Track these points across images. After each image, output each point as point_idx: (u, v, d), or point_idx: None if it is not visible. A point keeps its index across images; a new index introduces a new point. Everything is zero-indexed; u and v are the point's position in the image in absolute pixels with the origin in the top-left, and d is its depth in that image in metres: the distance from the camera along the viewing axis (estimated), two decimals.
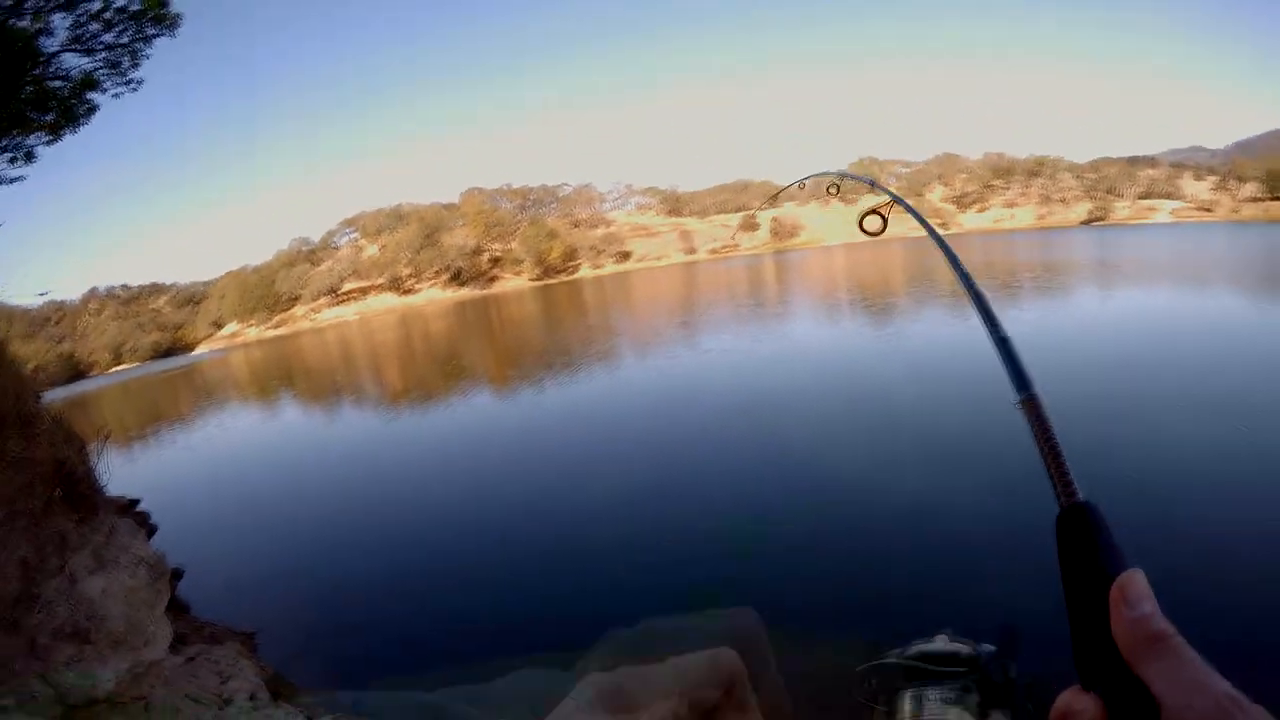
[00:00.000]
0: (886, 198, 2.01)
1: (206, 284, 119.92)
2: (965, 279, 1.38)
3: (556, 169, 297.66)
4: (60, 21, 13.05)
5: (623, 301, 63.98)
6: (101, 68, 13.77)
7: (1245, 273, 37.37)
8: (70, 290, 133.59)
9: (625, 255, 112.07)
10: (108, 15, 13.36)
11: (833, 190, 3.15)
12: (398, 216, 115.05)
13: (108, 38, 13.61)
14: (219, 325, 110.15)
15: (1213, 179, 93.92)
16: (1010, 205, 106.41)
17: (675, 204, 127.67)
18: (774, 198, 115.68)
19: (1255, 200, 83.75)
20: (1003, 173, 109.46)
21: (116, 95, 14.29)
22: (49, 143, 14.04)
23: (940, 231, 1.73)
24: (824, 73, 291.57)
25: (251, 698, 6.53)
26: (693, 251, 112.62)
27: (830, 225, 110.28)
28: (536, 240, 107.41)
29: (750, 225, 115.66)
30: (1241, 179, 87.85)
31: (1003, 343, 1.05)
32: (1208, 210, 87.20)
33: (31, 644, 5.64)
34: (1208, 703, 0.52)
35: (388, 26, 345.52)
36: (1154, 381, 17.46)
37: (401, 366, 44.70)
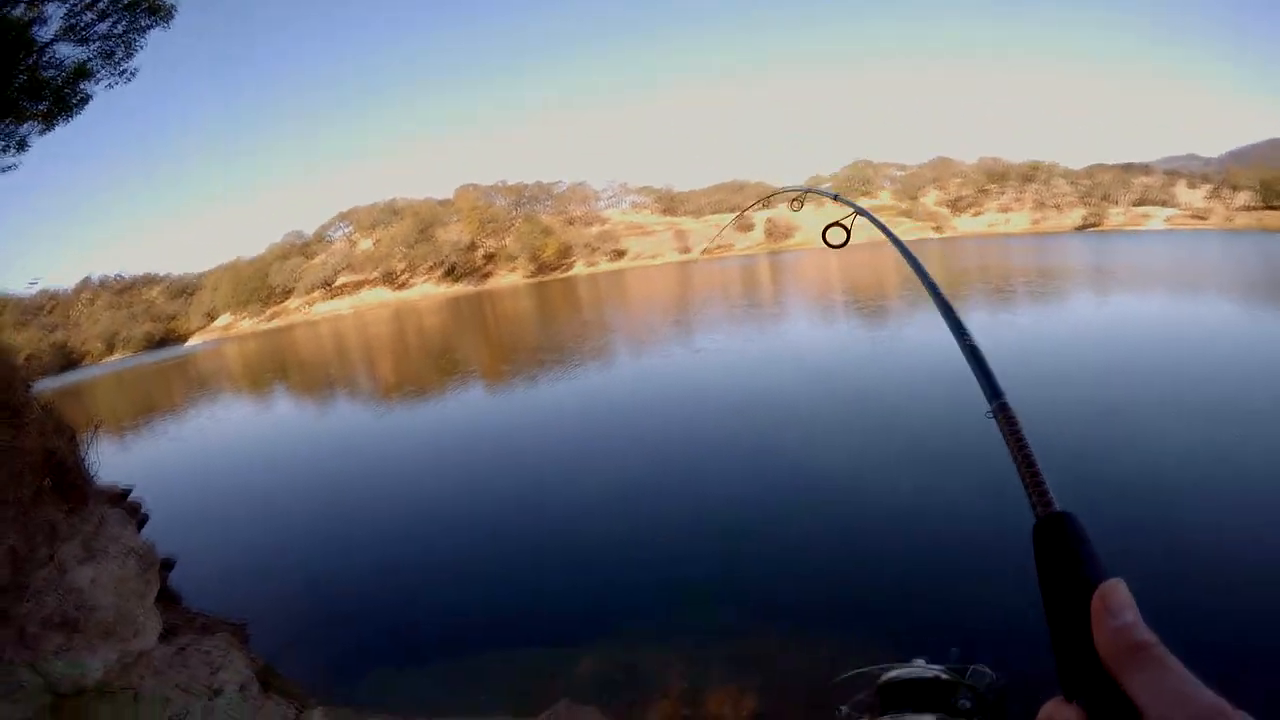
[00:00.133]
0: (850, 210, 2.01)
1: (200, 275, 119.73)
2: (931, 287, 1.36)
3: (552, 167, 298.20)
4: (54, 11, 13.02)
5: (617, 299, 63.97)
6: (95, 58, 13.74)
7: (1237, 281, 37.46)
8: (64, 279, 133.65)
9: (620, 253, 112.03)
10: (102, 5, 13.34)
11: (796, 206, 3.15)
12: (392, 211, 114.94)
13: (102, 28, 13.58)
14: (212, 317, 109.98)
15: (1207, 187, 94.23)
16: (1005, 210, 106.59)
17: (670, 203, 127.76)
18: (768, 200, 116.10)
19: (1249, 209, 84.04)
20: (997, 177, 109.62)
21: (110, 85, 14.25)
22: (42, 132, 14.00)
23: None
24: (820, 75, 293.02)
25: (242, 689, 6.52)
26: (687, 251, 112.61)
27: (824, 226, 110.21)
28: (531, 237, 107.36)
29: (745, 226, 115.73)
30: (1235, 187, 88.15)
31: (972, 351, 1.04)
32: (1201, 218, 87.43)
33: (20, 633, 5.63)
34: (1191, 713, 0.51)
35: (386, 25, 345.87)
36: (1144, 388, 17.49)
37: (395, 361, 44.63)
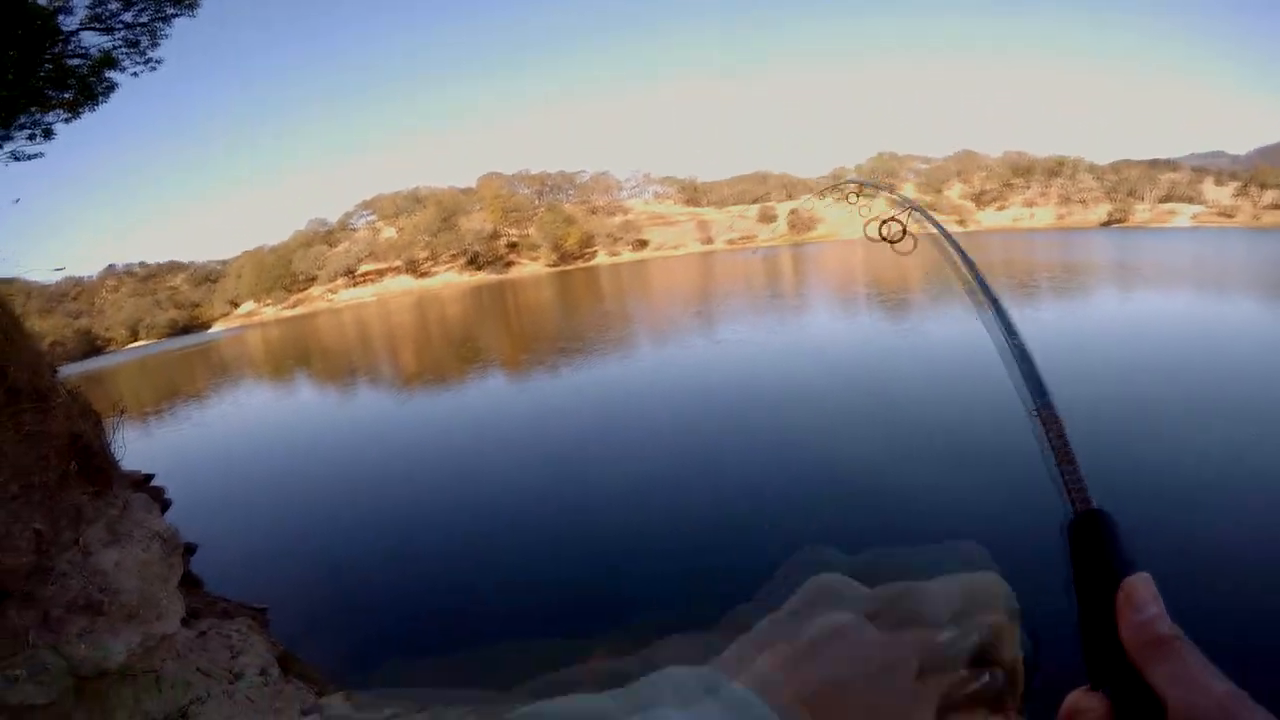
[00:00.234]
0: (905, 209, 1.96)
1: (224, 263, 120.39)
2: (983, 286, 1.36)
3: (575, 156, 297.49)
4: (79, 0, 13.09)
5: (639, 289, 63.96)
6: (120, 46, 13.81)
7: (1263, 280, 37.08)
8: (88, 267, 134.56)
9: (642, 243, 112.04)
10: None
11: (852, 200, 3.13)
12: (415, 200, 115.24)
13: (127, 16, 13.64)
14: (235, 304, 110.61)
15: (1234, 185, 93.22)
16: (1029, 204, 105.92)
17: (693, 194, 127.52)
18: (790, 193, 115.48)
19: (1277, 207, 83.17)
20: (1022, 171, 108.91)
21: (135, 74, 14.33)
22: (67, 120, 14.09)
23: (957, 229, 1.70)
24: (845, 67, 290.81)
25: (262, 673, 6.56)
26: (710, 242, 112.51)
27: (848, 219, 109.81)
28: (554, 226, 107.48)
29: (768, 216, 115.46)
30: (1264, 185, 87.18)
31: (1020, 350, 1.02)
32: (1228, 216, 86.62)
33: (45, 616, 5.68)
34: (1211, 703, 0.53)
35: (416, 10, 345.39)
36: (1170, 385, 17.37)
37: (417, 349, 44.79)
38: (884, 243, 1.93)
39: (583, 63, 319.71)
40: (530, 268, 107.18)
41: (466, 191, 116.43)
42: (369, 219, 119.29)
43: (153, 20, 13.89)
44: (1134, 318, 28.15)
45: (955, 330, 26.68)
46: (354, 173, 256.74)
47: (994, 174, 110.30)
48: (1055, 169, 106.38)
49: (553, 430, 19.26)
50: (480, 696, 8.25)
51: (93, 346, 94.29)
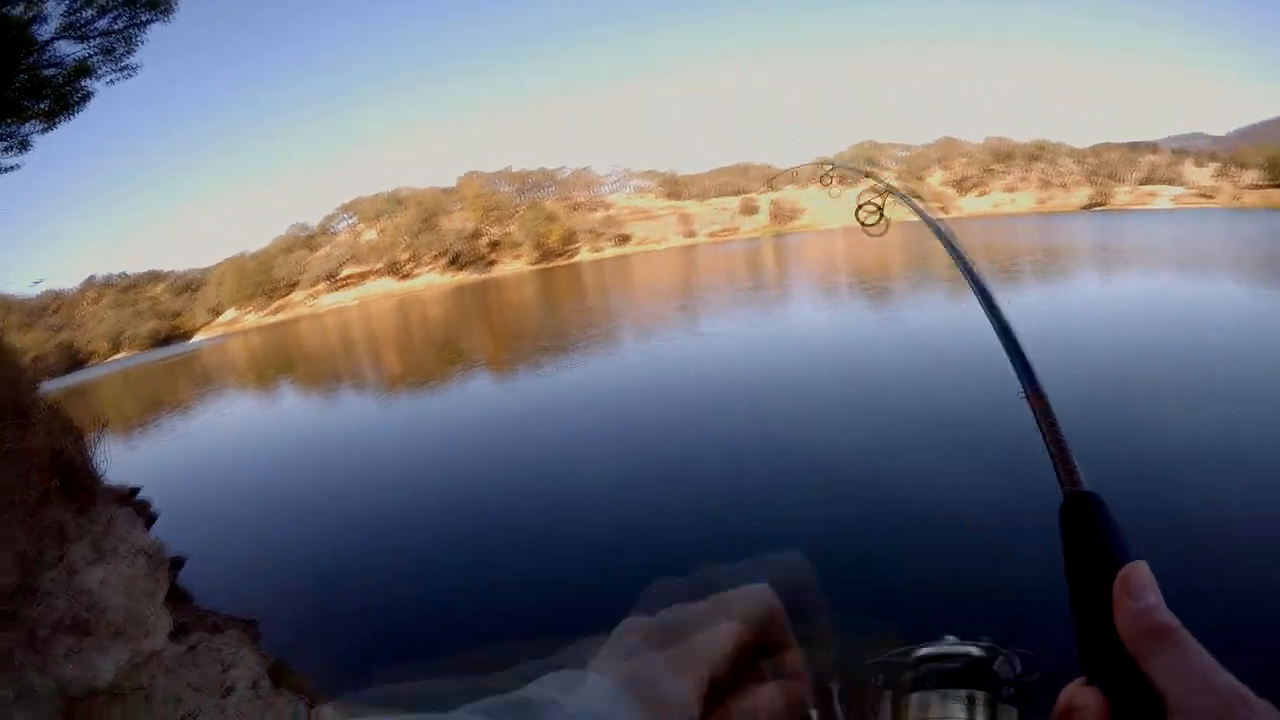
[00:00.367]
0: (882, 188, 1.93)
1: (204, 271, 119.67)
2: (966, 269, 1.33)
3: (555, 152, 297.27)
4: (54, 8, 12.97)
5: (622, 285, 63.98)
6: (96, 54, 13.69)
7: (1247, 260, 37.29)
8: (68, 279, 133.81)
9: (624, 238, 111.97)
10: (101, 1, 13.28)
11: (827, 180, 3.06)
12: (396, 201, 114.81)
13: (101, 24, 13.53)
14: (217, 312, 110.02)
15: (1214, 165, 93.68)
16: (1010, 189, 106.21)
17: (674, 187, 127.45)
18: (772, 181, 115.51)
19: (1256, 187, 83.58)
20: (1003, 157, 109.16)
21: (111, 82, 14.21)
22: (44, 131, 13.97)
23: (939, 215, 1.67)
24: (824, 56, 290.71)
25: (253, 686, 6.51)
26: (692, 235, 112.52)
27: (830, 208, 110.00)
28: (535, 224, 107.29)
29: (750, 208, 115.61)
30: (1243, 166, 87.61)
31: (1006, 332, 1.02)
32: (1209, 197, 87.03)
33: (31, 636, 5.62)
34: (1212, 698, 0.51)
35: (384, 11, 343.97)
36: (1155, 366, 17.44)
37: (400, 352, 44.72)
38: (863, 227, 1.91)
39: (561, 58, 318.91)
40: (513, 266, 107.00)
41: (447, 191, 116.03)
42: (350, 222, 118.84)
43: (127, 27, 13.78)
44: (1115, 300, 28.29)
45: (940, 317, 26.78)
46: (334, 175, 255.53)
47: (975, 160, 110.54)
48: (1036, 153, 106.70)
49: (537, 430, 19.22)
50: (476, 695, 8.25)
51: (74, 360, 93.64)
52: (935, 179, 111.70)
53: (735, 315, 34.63)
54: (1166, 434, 13.17)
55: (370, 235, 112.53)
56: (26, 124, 13.58)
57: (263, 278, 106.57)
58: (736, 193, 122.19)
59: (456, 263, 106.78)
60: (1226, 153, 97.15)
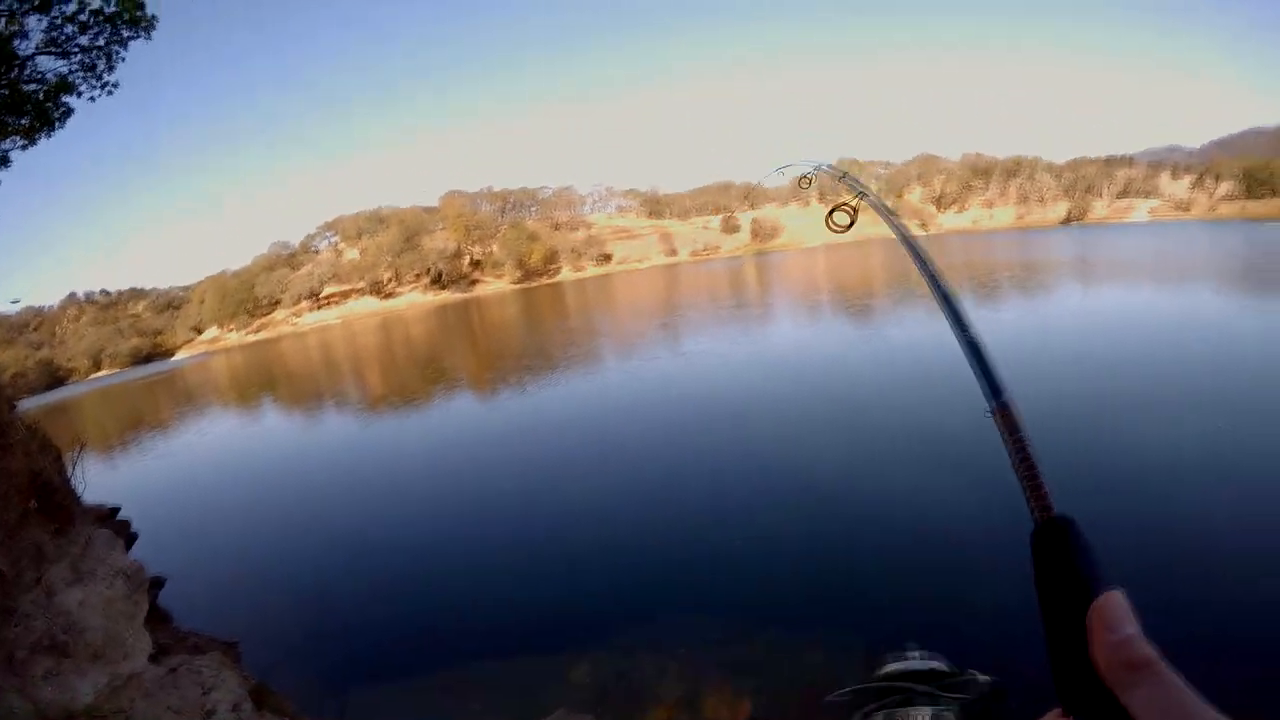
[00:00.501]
0: (855, 194, 1.93)
1: (186, 289, 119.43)
2: (932, 279, 1.29)
3: (537, 172, 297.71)
4: (35, 24, 12.91)
5: (604, 304, 64.07)
6: (77, 70, 13.63)
7: (1220, 272, 37.58)
8: (49, 296, 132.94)
9: (606, 258, 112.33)
10: (83, 17, 13.23)
11: (805, 184, 3.03)
12: (378, 219, 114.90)
13: (83, 40, 13.46)
14: (199, 330, 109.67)
15: (1190, 177, 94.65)
16: (989, 205, 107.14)
17: (656, 205, 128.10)
18: (749, 196, 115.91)
19: (1232, 199, 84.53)
20: (981, 173, 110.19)
21: (92, 99, 14.14)
22: (24, 147, 13.88)
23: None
24: (805, 75, 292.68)
25: (235, 708, 6.45)
26: (674, 253, 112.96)
27: (810, 227, 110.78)
28: (517, 243, 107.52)
29: (731, 227, 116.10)
30: (1219, 177, 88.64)
31: (973, 347, 0.97)
32: (1184, 209, 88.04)
33: (9, 658, 5.55)
34: None
35: (366, 29, 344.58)
36: (1131, 379, 17.54)
37: (383, 371, 44.63)
38: (831, 225, 1.91)
39: (543, 78, 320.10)
40: (495, 285, 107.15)
41: (429, 210, 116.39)
42: (332, 240, 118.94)
43: (109, 43, 13.72)
44: (1091, 313, 28.45)
45: (916, 334, 26.88)
46: (316, 194, 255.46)
47: (954, 176, 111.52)
48: (1013, 169, 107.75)
49: (519, 450, 19.19)
50: (460, 717, 8.18)
51: (55, 378, 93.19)
52: (915, 195, 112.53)
53: (717, 334, 34.70)
54: (1143, 448, 13.23)
55: (352, 254, 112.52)
56: (6, 140, 13.50)
57: (245, 296, 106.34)
58: (718, 211, 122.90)
59: (439, 282, 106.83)
60: (1202, 164, 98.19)
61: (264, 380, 50.15)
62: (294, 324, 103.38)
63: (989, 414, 0.87)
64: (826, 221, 1.94)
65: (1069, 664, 0.61)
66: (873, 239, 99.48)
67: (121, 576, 7.04)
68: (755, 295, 53.45)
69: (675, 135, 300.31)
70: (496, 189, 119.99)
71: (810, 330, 34.09)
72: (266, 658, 9.64)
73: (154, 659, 6.79)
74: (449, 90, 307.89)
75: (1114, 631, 0.58)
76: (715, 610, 9.77)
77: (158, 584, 9.45)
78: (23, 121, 13.61)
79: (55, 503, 7.32)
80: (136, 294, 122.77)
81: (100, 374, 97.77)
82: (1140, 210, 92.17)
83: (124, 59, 14.19)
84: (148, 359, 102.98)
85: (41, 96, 13.54)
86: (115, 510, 12.83)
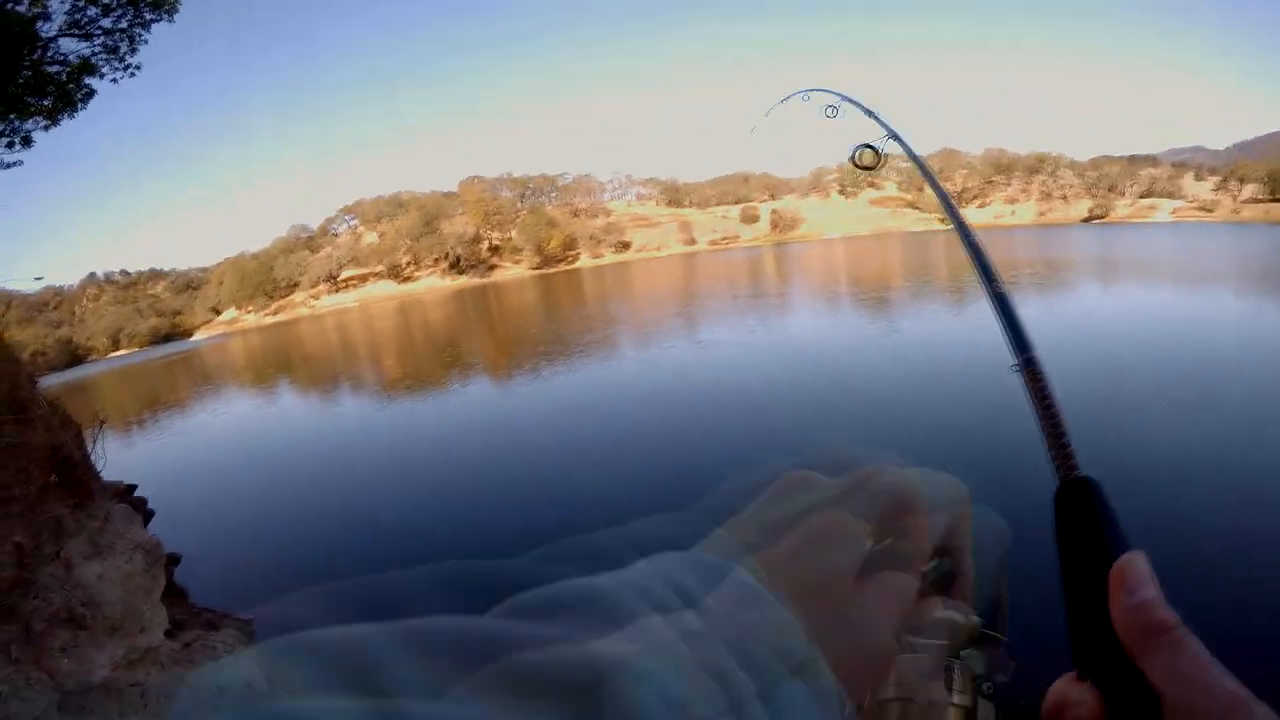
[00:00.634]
0: (882, 131, 1.89)
1: (205, 270, 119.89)
2: (962, 229, 1.29)
3: (557, 158, 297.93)
4: (58, 6, 13.00)
5: (622, 291, 63.91)
6: (99, 53, 13.72)
7: (1246, 274, 37.29)
8: (69, 275, 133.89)
9: (625, 245, 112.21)
10: (106, 0, 13.31)
11: (830, 113, 2.96)
12: (397, 204, 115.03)
13: (106, 22, 13.56)
14: (217, 311, 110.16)
15: (1214, 179, 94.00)
16: (1011, 201, 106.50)
17: (675, 195, 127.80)
18: (775, 210, 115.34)
19: (1256, 201, 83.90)
20: (1004, 169, 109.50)
21: (115, 80, 14.24)
22: (46, 128, 13.99)
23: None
24: (828, 66, 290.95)
25: (247, 683, 6.50)
26: (692, 242, 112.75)
27: (830, 218, 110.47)
28: (536, 229, 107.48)
29: (750, 217, 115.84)
30: (1243, 180, 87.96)
31: (1000, 299, 0.96)
32: (1208, 210, 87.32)
33: (27, 630, 5.62)
34: (1210, 700, 0.49)
35: (388, 14, 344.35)
36: (1157, 377, 17.43)
37: (400, 354, 44.66)
38: (860, 169, 1.87)
39: (564, 64, 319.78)
40: (513, 271, 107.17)
41: (448, 195, 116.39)
42: (351, 224, 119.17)
43: (131, 26, 13.80)
44: (1116, 312, 28.26)
45: (937, 326, 26.77)
46: (335, 177, 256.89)
47: (975, 172, 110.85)
48: (1036, 166, 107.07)
49: (535, 435, 19.18)
50: None
51: (74, 356, 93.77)
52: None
53: (734, 323, 34.58)
54: (1167, 427, 13.17)
55: (371, 238, 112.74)
56: (29, 120, 13.60)
57: (263, 278, 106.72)
58: (737, 201, 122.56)
59: (457, 266, 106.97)
60: (1226, 166, 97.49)
61: (281, 362, 50.29)
62: (312, 306, 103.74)
63: (1014, 368, 0.86)
64: (851, 161, 1.91)
65: (1086, 626, 0.59)
66: (893, 231, 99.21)
67: (140, 551, 7.12)
68: (774, 284, 53.29)
69: (695, 125, 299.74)
70: (516, 175, 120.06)
71: (827, 320, 33.97)
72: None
73: (170, 634, 6.87)
74: (472, 78, 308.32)
75: (1133, 594, 0.56)
76: None
77: (174, 561, 9.54)
78: (45, 102, 13.71)
79: (75, 477, 7.40)
80: (156, 275, 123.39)
81: (119, 353, 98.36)
82: (1164, 210, 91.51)
83: (146, 41, 14.28)
84: (166, 339, 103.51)
85: (64, 78, 13.64)
86: (133, 487, 12.96)
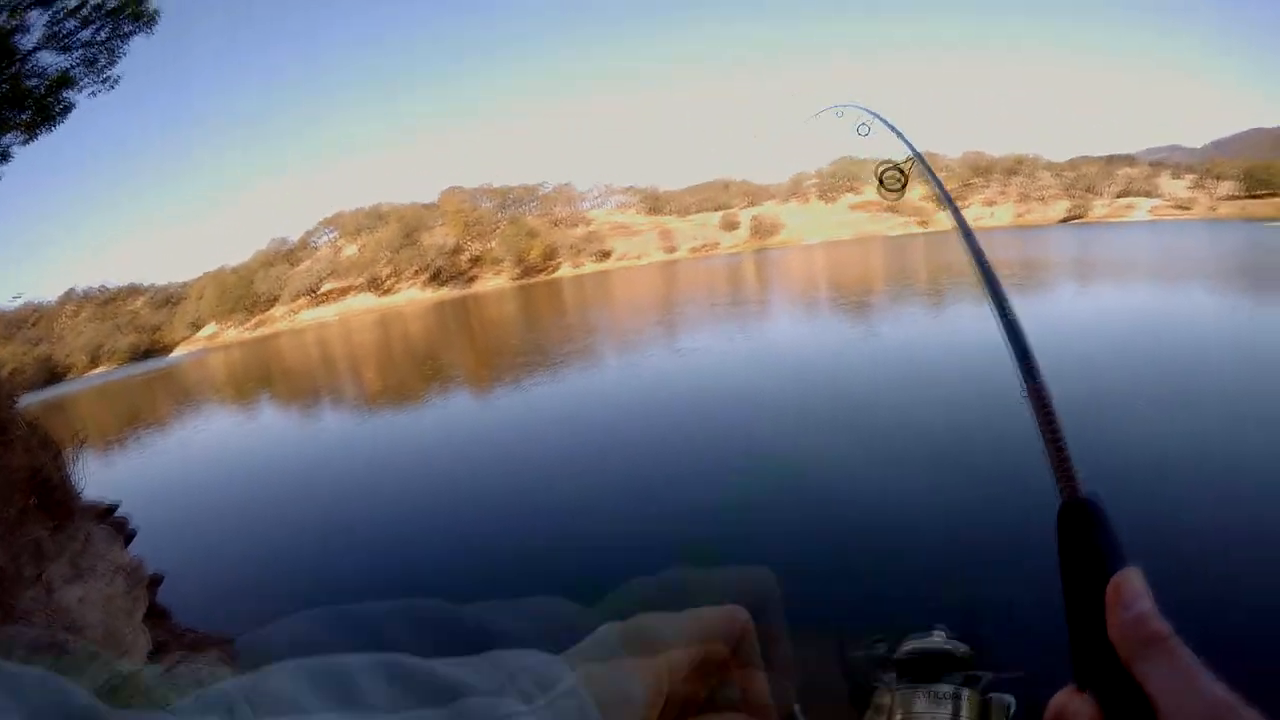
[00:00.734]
0: (907, 153, 1.87)
1: (184, 285, 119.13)
2: (978, 259, 1.27)
3: (536, 168, 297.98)
4: (37, 18, 12.89)
5: (603, 301, 63.99)
6: (78, 65, 13.61)
7: (1220, 270, 37.59)
8: (47, 292, 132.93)
9: (605, 254, 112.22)
10: (85, 12, 13.20)
11: (863, 131, 2.87)
12: (377, 216, 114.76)
13: (85, 35, 13.45)
14: (197, 326, 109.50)
15: (1190, 177, 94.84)
16: (989, 203, 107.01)
17: (655, 203, 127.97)
18: (755, 217, 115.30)
19: (1232, 198, 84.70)
20: (981, 171, 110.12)
21: (93, 94, 14.12)
22: (25, 142, 13.85)
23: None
24: (803, 71, 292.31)
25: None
26: (673, 250, 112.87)
27: (810, 224, 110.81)
28: (516, 239, 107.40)
29: (730, 224, 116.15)
30: (1219, 178, 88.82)
31: (1011, 327, 0.94)
32: (1185, 208, 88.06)
33: (8, 655, 5.52)
34: (1203, 706, 0.51)
35: (365, 24, 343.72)
36: (1140, 376, 17.52)
37: (381, 368, 44.56)
38: (885, 190, 1.84)
39: (543, 74, 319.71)
40: (494, 282, 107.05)
41: (428, 206, 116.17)
42: (330, 236, 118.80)
43: (110, 38, 13.71)
44: (1096, 310, 28.43)
45: (919, 330, 26.88)
46: (315, 190, 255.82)
47: (953, 174, 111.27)
48: (1014, 167, 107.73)
49: (516, 447, 19.13)
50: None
51: (53, 374, 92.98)
52: (915, 193, 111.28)
53: (715, 331, 34.63)
54: (1162, 439, 13.21)
55: (351, 250, 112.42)
56: (7, 135, 13.48)
57: (243, 292, 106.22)
58: (717, 208, 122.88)
59: (437, 278, 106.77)
60: (1203, 164, 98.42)
61: (262, 377, 50.07)
62: (292, 320, 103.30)
63: (1023, 393, 0.89)
64: (879, 184, 1.87)
65: (1085, 639, 0.61)
66: (872, 236, 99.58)
67: (121, 573, 7.03)
68: (755, 291, 53.43)
69: (675, 133, 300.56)
70: (496, 185, 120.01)
71: (809, 326, 34.05)
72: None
73: (152, 656, 6.78)
74: (448, 87, 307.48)
75: (1129, 607, 0.59)
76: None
77: (156, 581, 9.43)
78: (23, 116, 13.58)
79: (54, 499, 7.30)
80: (135, 290, 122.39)
81: (99, 370, 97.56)
82: (1141, 209, 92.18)
83: (125, 54, 14.18)
84: (146, 355, 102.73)
85: (42, 91, 13.52)
86: (114, 507, 12.80)
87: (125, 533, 10.23)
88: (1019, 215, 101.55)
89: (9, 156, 13.65)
